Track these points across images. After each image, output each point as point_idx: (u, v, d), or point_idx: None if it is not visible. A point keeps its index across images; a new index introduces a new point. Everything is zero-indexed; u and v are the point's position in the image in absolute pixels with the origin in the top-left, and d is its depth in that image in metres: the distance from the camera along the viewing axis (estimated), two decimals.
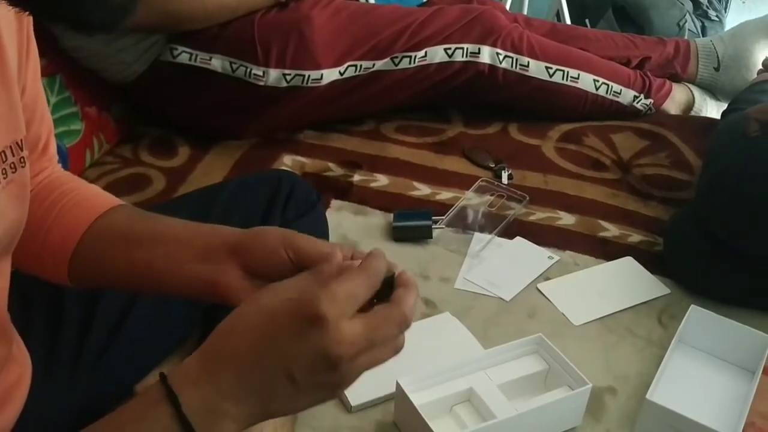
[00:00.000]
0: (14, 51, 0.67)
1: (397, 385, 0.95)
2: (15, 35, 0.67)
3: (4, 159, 0.65)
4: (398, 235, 1.34)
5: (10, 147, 0.66)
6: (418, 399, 0.94)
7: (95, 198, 0.78)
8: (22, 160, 0.67)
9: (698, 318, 1.11)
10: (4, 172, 0.65)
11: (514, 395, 0.98)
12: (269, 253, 0.65)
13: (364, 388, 0.87)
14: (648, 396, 0.98)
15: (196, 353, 0.54)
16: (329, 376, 0.53)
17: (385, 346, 0.55)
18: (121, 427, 0.54)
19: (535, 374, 1.03)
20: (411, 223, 1.34)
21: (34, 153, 0.76)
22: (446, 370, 0.99)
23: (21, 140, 0.67)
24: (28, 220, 0.70)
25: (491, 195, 1.43)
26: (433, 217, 1.35)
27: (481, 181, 1.47)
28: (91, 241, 0.73)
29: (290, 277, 0.58)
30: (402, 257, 1.30)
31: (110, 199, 0.78)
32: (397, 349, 0.57)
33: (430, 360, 1.01)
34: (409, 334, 0.58)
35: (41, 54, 0.75)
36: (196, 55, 1.49)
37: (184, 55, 1.49)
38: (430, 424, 0.90)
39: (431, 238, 1.34)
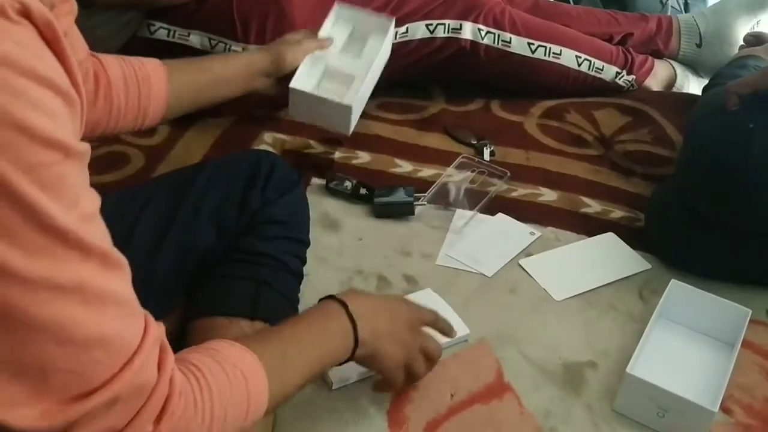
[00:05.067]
0: None
1: None
2: None
3: None
4: (379, 211, 1.34)
5: None
6: None
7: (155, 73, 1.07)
8: None
9: (678, 292, 1.11)
10: None
11: None
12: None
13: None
14: (628, 370, 0.98)
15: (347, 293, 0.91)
16: (408, 334, 0.93)
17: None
18: (307, 317, 0.86)
19: None
20: (392, 200, 1.34)
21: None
22: None
23: None
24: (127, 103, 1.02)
25: (472, 171, 1.43)
26: (415, 194, 1.34)
27: (462, 157, 1.46)
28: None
29: None
30: (383, 234, 1.30)
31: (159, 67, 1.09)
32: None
33: None
34: None
35: None
36: (174, 31, 1.47)
37: (161, 32, 1.46)
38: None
39: (413, 214, 1.33)
